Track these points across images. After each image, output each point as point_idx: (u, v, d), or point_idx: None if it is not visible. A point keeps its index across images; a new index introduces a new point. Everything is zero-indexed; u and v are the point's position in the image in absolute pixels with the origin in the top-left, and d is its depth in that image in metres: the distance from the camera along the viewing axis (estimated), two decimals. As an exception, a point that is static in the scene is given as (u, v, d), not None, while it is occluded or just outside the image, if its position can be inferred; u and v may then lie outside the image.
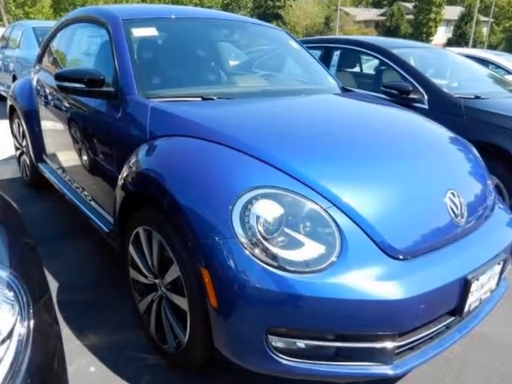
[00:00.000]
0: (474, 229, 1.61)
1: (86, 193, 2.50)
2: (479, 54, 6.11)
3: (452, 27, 38.83)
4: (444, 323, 1.47)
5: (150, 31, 2.33)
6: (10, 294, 0.91)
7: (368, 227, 1.35)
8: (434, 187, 1.60)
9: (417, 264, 1.38)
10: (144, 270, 1.73)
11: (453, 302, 1.44)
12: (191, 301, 1.45)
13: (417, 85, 3.28)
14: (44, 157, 3.24)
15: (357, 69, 4.54)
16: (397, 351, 1.36)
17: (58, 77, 2.03)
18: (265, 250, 1.28)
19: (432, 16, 37.68)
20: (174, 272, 1.52)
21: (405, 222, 1.44)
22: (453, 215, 1.54)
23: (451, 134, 2.11)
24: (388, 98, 3.27)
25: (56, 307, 2.01)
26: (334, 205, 1.36)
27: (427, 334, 1.43)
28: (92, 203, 2.41)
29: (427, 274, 1.36)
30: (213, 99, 2.01)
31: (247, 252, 1.28)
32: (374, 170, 1.56)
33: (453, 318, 1.48)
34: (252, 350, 1.35)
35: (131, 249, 1.79)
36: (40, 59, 3.43)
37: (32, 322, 0.91)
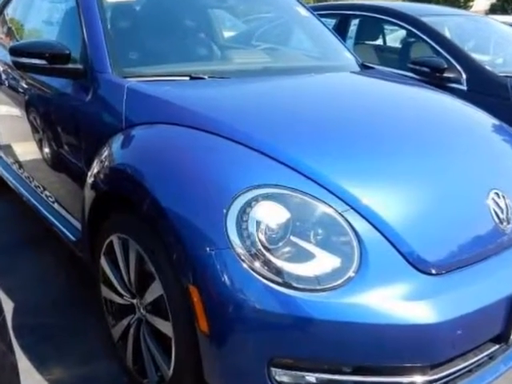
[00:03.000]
0: (522, 237, 1.61)
1: (47, 193, 2.50)
2: (529, 23, 6.10)
3: (496, -10, 38.86)
4: (486, 353, 1.46)
5: (127, -5, 2.34)
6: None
7: (393, 235, 1.35)
8: (474, 186, 1.60)
9: (453, 280, 1.38)
10: (119, 288, 1.73)
11: (497, 327, 1.44)
12: (177, 325, 1.45)
13: (453, 61, 3.28)
14: (-3, 149, 3.24)
15: (379, 41, 4.55)
16: (428, 387, 1.35)
17: (13, 51, 2.03)
18: (267, 263, 1.28)
19: (472, -23, 37.68)
20: (155, 290, 1.51)
21: (438, 228, 1.44)
22: (497, 220, 1.54)
23: (495, 122, 2.11)
24: (417, 76, 3.27)
25: (11, 333, 2.00)
26: (352, 208, 1.36)
27: (465, 366, 1.42)
28: (55, 206, 2.41)
29: (466, 293, 1.36)
30: (203, 78, 2.01)
31: (245, 265, 1.27)
32: (400, 165, 1.56)
33: (497, 347, 1.48)
34: (251, 386, 1.35)
35: (103, 262, 1.79)
36: (-8, 30, 3.43)
37: (-19, 352, 0.91)
